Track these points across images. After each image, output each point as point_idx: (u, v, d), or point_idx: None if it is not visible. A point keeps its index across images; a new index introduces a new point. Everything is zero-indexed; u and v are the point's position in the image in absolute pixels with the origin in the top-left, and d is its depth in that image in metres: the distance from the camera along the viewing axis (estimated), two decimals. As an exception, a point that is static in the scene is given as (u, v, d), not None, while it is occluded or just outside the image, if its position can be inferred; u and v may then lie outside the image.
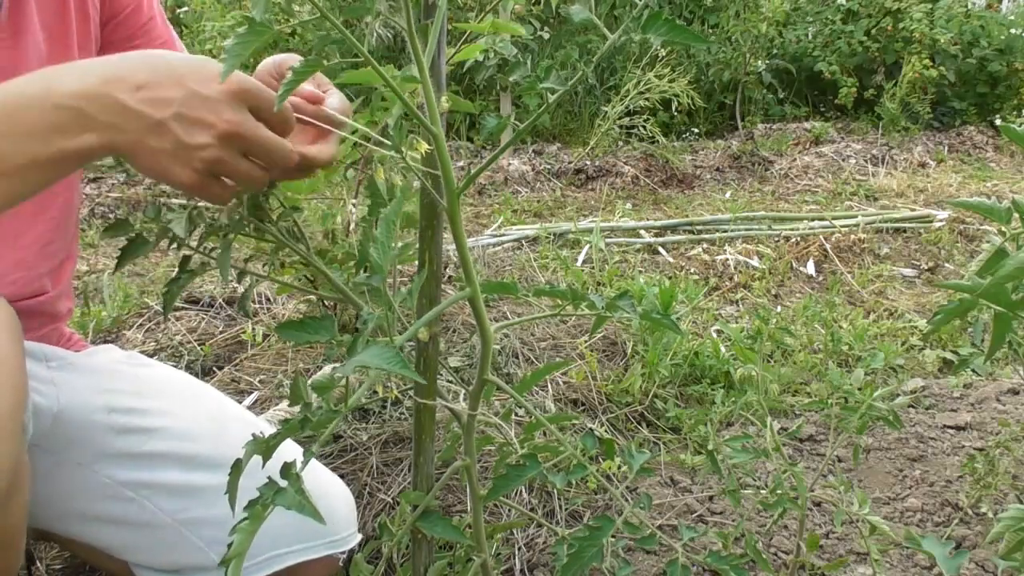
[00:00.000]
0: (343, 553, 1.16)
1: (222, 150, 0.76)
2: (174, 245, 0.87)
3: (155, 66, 0.76)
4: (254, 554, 1.08)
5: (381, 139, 0.75)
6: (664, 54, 5.03)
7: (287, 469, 0.68)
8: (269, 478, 0.69)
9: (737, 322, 2.61)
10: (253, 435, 0.73)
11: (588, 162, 4.73)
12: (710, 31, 6.29)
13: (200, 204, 0.87)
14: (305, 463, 0.69)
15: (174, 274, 0.89)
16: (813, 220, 3.77)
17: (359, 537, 1.18)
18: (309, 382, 0.68)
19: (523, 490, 1.58)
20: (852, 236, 3.47)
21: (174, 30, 1.26)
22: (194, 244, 0.88)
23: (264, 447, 0.70)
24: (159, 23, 1.21)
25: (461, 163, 4.63)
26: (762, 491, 1.23)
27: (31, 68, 1.03)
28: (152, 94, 0.74)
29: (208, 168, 0.76)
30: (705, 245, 3.43)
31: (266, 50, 5.08)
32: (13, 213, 0.80)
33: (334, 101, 0.89)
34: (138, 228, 0.87)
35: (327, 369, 1.84)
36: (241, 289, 0.95)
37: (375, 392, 1.77)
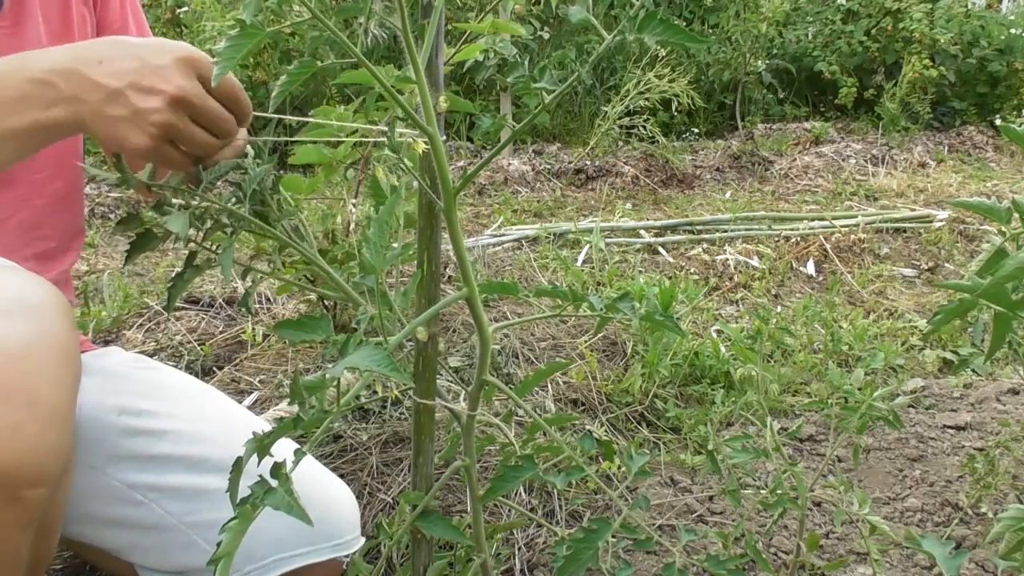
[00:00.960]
0: (347, 556, 1.16)
1: (173, 114, 0.82)
2: (179, 243, 0.87)
3: (117, 43, 0.85)
4: (259, 557, 1.09)
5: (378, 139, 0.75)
6: (664, 54, 5.03)
7: (277, 469, 0.68)
8: (260, 477, 0.69)
9: (737, 322, 2.60)
10: (253, 433, 0.73)
11: (588, 162, 4.73)
12: (710, 31, 6.29)
13: (202, 204, 0.87)
14: (296, 462, 0.69)
15: (175, 272, 0.89)
16: (813, 220, 3.77)
17: (362, 541, 1.18)
18: (302, 382, 0.68)
19: (523, 490, 1.58)
20: (852, 236, 3.46)
21: (172, 32, 1.27)
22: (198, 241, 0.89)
23: (259, 446, 0.70)
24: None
25: (461, 163, 4.63)
26: (762, 491, 1.23)
27: None
28: (111, 67, 0.82)
29: (162, 132, 0.83)
30: (705, 245, 3.43)
31: (264, 50, 5.08)
32: None
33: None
34: (148, 223, 0.88)
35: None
36: (244, 287, 0.95)
37: (375, 392, 1.77)
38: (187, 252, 0.89)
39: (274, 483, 0.67)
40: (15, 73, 0.82)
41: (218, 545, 0.67)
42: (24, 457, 0.73)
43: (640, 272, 3.04)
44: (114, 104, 0.82)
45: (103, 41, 0.87)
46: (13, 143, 0.83)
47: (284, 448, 0.75)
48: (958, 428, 1.98)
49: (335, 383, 0.67)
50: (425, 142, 0.77)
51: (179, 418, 1.14)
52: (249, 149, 0.92)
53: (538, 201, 4.26)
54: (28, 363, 0.75)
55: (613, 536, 0.89)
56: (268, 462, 0.71)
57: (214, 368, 2.03)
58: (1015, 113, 6.18)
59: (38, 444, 0.75)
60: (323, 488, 1.16)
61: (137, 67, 0.82)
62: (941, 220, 3.74)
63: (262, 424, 1.26)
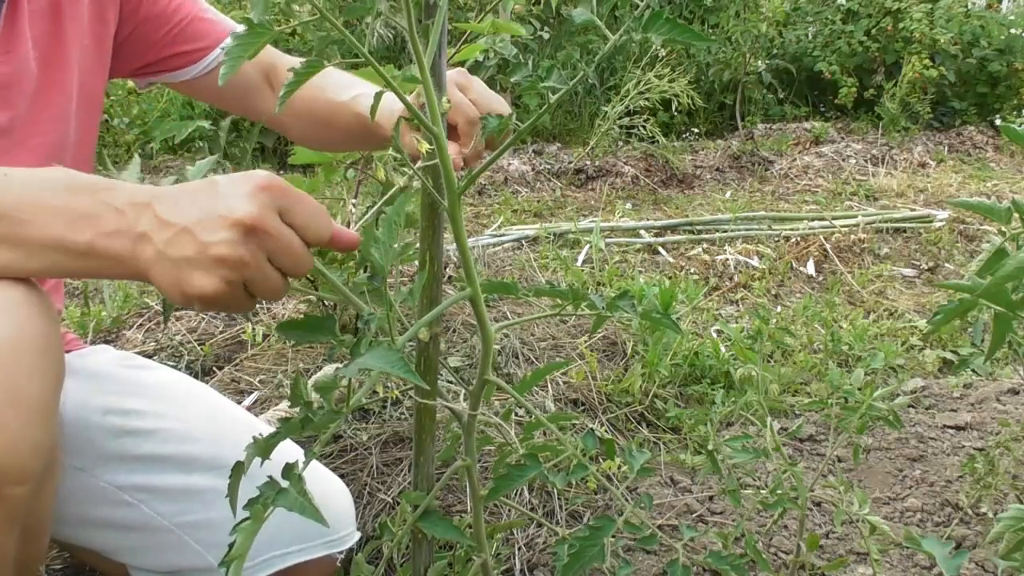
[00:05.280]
0: (341, 553, 1.16)
1: (245, 248, 0.71)
2: None
3: (199, 184, 0.75)
4: (253, 555, 1.08)
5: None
6: (664, 54, 5.02)
7: (289, 469, 0.68)
8: (270, 478, 0.68)
9: (737, 322, 2.60)
10: (253, 437, 0.73)
11: (588, 162, 4.73)
12: (710, 31, 6.28)
13: None
14: (306, 463, 0.69)
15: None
16: (813, 220, 3.77)
17: (358, 536, 1.18)
18: (311, 382, 0.68)
19: (523, 490, 1.58)
20: (852, 236, 3.47)
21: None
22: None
23: (263, 446, 0.70)
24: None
25: (461, 163, 4.63)
26: (762, 491, 1.23)
27: (24, 82, 1.04)
28: (184, 204, 0.73)
29: (232, 271, 0.72)
30: (705, 245, 3.43)
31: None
32: None
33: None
34: None
35: (328, 369, 1.84)
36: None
37: (375, 392, 1.77)
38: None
39: (285, 483, 0.67)
40: (99, 193, 0.75)
41: (231, 547, 0.67)
42: (6, 454, 0.73)
43: (640, 272, 3.05)
44: (178, 245, 0.72)
45: (185, 184, 0.77)
46: (57, 255, 0.75)
47: (284, 449, 0.75)
48: (958, 428, 1.98)
49: (347, 383, 0.67)
50: (429, 142, 0.77)
51: (167, 417, 1.13)
52: None
53: (538, 201, 4.26)
54: (8, 360, 0.74)
55: (612, 536, 0.89)
56: (267, 463, 0.71)
57: (214, 368, 2.03)
58: (1015, 113, 6.18)
59: (19, 440, 0.74)
60: (317, 484, 1.15)
61: (210, 203, 0.72)
62: (941, 220, 3.74)
63: (254, 421, 1.25)
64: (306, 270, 0.76)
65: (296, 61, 1.20)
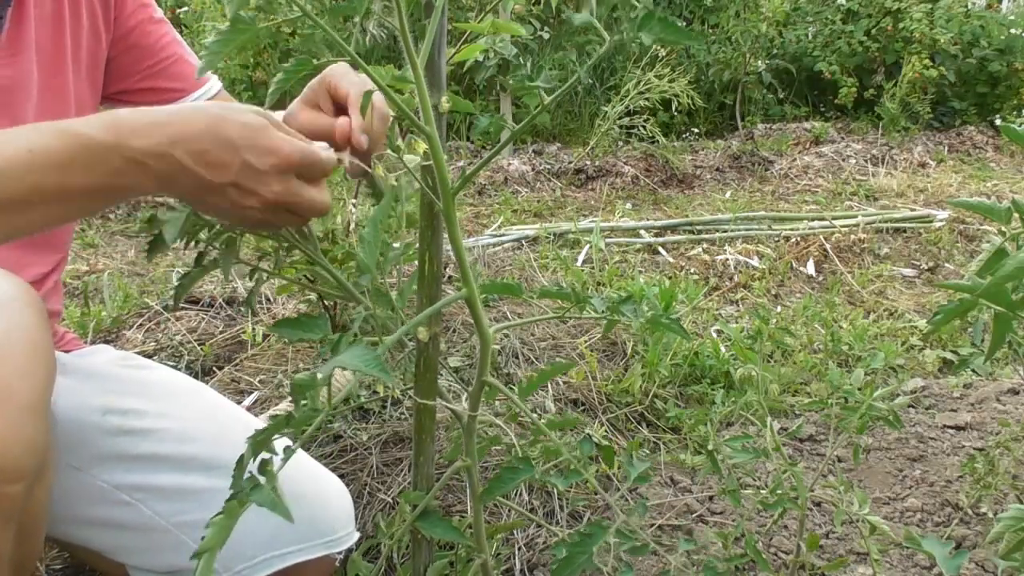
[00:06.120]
0: (340, 553, 1.16)
1: (269, 213, 0.84)
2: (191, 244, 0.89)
3: (216, 135, 0.82)
4: (250, 556, 1.08)
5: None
6: (664, 54, 5.02)
7: (265, 466, 0.68)
8: (251, 473, 0.69)
9: (737, 322, 2.60)
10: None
11: (588, 162, 4.73)
12: (710, 31, 6.28)
13: None
14: (285, 460, 0.69)
15: (177, 272, 0.90)
16: (813, 220, 3.77)
17: (356, 536, 1.18)
18: (290, 381, 0.68)
19: (523, 490, 1.58)
20: (852, 236, 3.46)
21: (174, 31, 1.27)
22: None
23: (255, 444, 0.70)
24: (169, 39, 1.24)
25: (460, 163, 4.63)
26: (762, 491, 1.23)
27: (27, 87, 1.04)
28: (212, 162, 0.81)
29: (257, 222, 0.86)
30: (705, 245, 3.43)
31: (264, 50, 5.08)
32: None
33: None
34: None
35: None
36: (248, 287, 0.96)
37: (375, 392, 1.77)
38: (196, 252, 0.90)
39: (262, 480, 0.67)
40: (108, 148, 0.79)
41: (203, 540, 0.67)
42: None
43: (640, 272, 3.04)
44: (214, 195, 0.83)
45: (197, 122, 0.83)
46: (88, 200, 0.83)
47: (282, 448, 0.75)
48: (958, 428, 1.98)
49: (327, 382, 0.66)
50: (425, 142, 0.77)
51: (164, 416, 1.13)
52: None
53: (538, 201, 4.26)
54: None
55: (614, 538, 0.90)
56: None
57: (214, 368, 2.03)
58: (1015, 113, 6.18)
59: (12, 439, 0.75)
60: (316, 484, 1.15)
61: (238, 168, 0.81)
62: (941, 220, 3.74)
63: (253, 421, 1.25)
64: (320, 214, 0.87)
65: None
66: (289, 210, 0.85)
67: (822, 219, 3.76)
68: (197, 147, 0.81)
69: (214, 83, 1.28)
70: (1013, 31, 6.27)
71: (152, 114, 0.83)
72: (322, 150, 0.87)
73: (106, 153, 0.79)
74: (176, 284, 0.91)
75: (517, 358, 2.06)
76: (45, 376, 0.80)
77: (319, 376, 0.65)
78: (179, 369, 1.90)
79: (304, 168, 0.84)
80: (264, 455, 0.68)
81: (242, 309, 2.33)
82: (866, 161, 5.15)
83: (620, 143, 4.91)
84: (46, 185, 0.78)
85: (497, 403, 1.80)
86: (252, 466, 0.71)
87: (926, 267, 3.33)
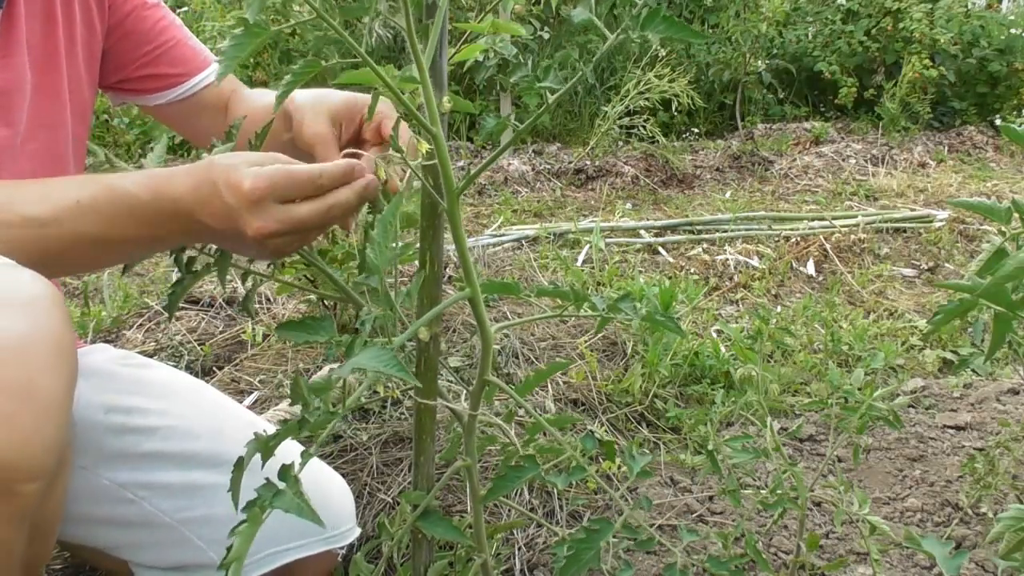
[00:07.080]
0: (342, 548, 1.16)
1: (278, 241, 0.84)
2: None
3: (214, 185, 0.84)
4: (253, 552, 1.08)
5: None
6: (664, 54, 5.02)
7: (285, 471, 0.68)
8: (267, 479, 0.68)
9: (737, 322, 2.60)
10: (256, 434, 0.73)
11: (588, 162, 4.73)
12: (710, 31, 6.28)
13: None
14: (303, 464, 0.69)
15: (175, 277, 0.90)
16: (813, 220, 3.77)
17: (358, 531, 1.18)
18: (308, 383, 0.68)
19: (524, 490, 1.58)
20: (852, 236, 3.46)
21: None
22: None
23: (264, 447, 0.70)
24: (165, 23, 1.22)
25: (461, 163, 4.62)
26: (762, 491, 1.23)
27: (22, 87, 1.03)
28: (213, 212, 0.84)
29: (276, 251, 0.87)
30: (705, 245, 3.43)
31: (265, 50, 5.08)
32: None
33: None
34: None
35: (326, 370, 1.84)
36: (244, 289, 0.96)
37: (375, 392, 1.77)
38: (186, 258, 0.90)
39: (282, 485, 0.67)
40: (148, 206, 0.85)
41: (229, 549, 0.67)
42: (19, 450, 0.73)
43: (640, 272, 3.04)
44: (229, 241, 0.87)
45: (210, 179, 0.86)
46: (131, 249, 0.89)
47: (286, 448, 0.75)
48: (958, 428, 1.98)
49: (341, 384, 0.67)
50: (429, 142, 0.77)
51: (167, 414, 1.13)
52: None
53: (538, 201, 4.26)
54: (23, 356, 0.74)
55: (613, 536, 0.89)
56: (270, 462, 0.71)
57: (214, 368, 2.03)
58: (1015, 113, 6.17)
59: (33, 437, 0.74)
60: (316, 480, 1.15)
61: (223, 212, 0.83)
62: (941, 220, 3.74)
63: (254, 418, 1.25)
64: (330, 224, 0.87)
65: (256, 92, 1.26)
66: (290, 233, 0.84)
67: (822, 219, 3.76)
68: (206, 196, 0.84)
69: (215, 67, 1.27)
70: (1013, 31, 6.27)
71: (183, 172, 0.87)
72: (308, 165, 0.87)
73: (143, 208, 0.84)
74: (168, 293, 0.92)
75: (517, 358, 2.06)
76: (68, 375, 0.80)
77: (335, 378, 0.66)
78: (179, 369, 1.90)
79: (280, 192, 0.83)
80: (285, 460, 0.68)
81: (243, 311, 2.33)
82: (866, 161, 5.15)
83: (620, 143, 4.91)
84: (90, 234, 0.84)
85: (497, 403, 1.80)
86: (254, 465, 0.71)
87: (926, 267, 3.33)
